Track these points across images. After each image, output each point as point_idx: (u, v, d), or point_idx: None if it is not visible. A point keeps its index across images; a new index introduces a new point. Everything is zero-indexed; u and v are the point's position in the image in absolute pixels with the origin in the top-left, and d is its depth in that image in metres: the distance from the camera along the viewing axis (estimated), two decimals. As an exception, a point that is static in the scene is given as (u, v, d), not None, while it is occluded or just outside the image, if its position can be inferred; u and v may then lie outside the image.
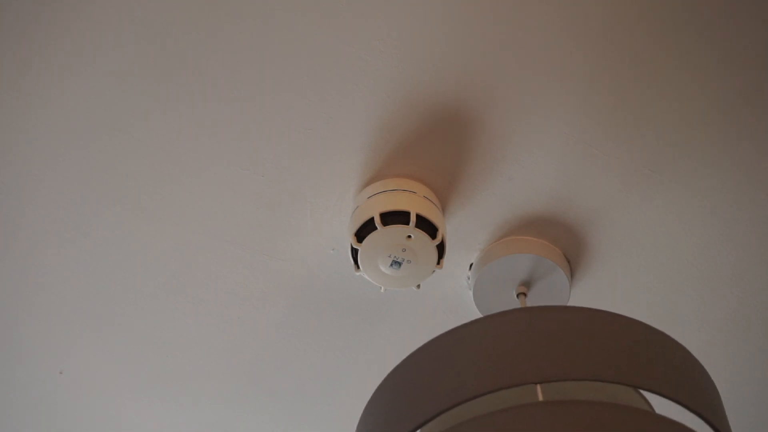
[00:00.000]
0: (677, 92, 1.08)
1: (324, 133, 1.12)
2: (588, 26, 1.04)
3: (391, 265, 1.13)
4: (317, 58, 1.06)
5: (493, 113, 1.10)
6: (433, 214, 1.12)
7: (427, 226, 1.11)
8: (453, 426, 0.77)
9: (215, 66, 1.07)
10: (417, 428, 0.79)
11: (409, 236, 1.10)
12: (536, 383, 0.75)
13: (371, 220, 1.10)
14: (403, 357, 0.87)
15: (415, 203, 1.12)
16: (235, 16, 1.03)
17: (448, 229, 1.21)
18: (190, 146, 1.14)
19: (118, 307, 1.30)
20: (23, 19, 1.03)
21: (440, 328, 0.92)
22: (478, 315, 1.26)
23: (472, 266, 1.24)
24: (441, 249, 1.13)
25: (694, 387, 0.81)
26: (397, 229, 1.10)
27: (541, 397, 0.84)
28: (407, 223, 1.09)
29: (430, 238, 1.11)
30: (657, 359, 0.80)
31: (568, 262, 1.23)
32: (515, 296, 1.22)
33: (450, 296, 1.28)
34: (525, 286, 1.21)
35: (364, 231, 1.11)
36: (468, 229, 1.21)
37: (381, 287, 1.17)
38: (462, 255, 1.24)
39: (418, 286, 1.17)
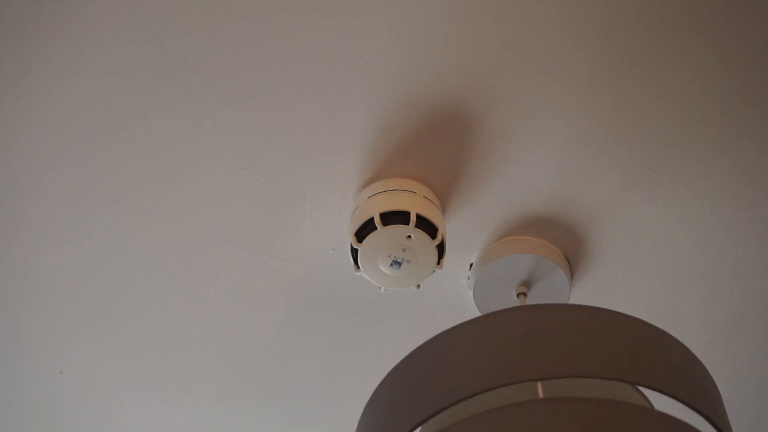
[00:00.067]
0: (677, 92, 1.08)
1: (324, 133, 1.12)
2: (588, 26, 1.04)
3: (391, 265, 1.13)
4: (317, 58, 1.06)
5: (493, 113, 1.10)
6: (433, 214, 1.12)
7: (427, 226, 1.11)
8: (453, 424, 0.77)
9: (215, 66, 1.07)
10: (417, 426, 0.79)
11: (409, 236, 1.10)
12: (536, 380, 0.75)
13: (371, 220, 1.10)
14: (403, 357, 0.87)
15: (415, 203, 1.12)
16: (235, 16, 1.03)
17: (448, 229, 1.21)
18: (190, 146, 1.14)
19: (118, 307, 1.30)
20: (23, 19, 1.03)
21: (440, 328, 0.92)
22: (478, 315, 1.26)
23: (472, 266, 1.24)
24: (441, 249, 1.13)
25: (694, 385, 0.81)
26: (397, 229, 1.10)
27: (541, 395, 0.84)
28: (407, 223, 1.09)
29: (430, 238, 1.11)
30: (657, 357, 0.80)
31: (568, 262, 1.23)
32: (515, 296, 1.22)
33: (450, 296, 1.28)
34: (525, 286, 1.21)
35: (364, 231, 1.11)
36: (468, 229, 1.21)
37: (381, 287, 1.17)
38: (462, 255, 1.24)
39: (418, 286, 1.17)
